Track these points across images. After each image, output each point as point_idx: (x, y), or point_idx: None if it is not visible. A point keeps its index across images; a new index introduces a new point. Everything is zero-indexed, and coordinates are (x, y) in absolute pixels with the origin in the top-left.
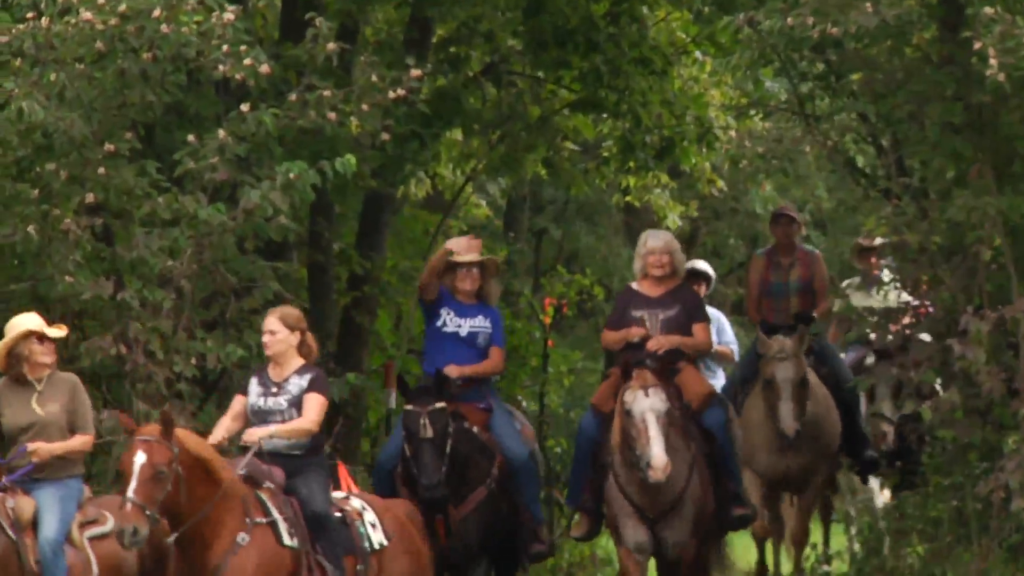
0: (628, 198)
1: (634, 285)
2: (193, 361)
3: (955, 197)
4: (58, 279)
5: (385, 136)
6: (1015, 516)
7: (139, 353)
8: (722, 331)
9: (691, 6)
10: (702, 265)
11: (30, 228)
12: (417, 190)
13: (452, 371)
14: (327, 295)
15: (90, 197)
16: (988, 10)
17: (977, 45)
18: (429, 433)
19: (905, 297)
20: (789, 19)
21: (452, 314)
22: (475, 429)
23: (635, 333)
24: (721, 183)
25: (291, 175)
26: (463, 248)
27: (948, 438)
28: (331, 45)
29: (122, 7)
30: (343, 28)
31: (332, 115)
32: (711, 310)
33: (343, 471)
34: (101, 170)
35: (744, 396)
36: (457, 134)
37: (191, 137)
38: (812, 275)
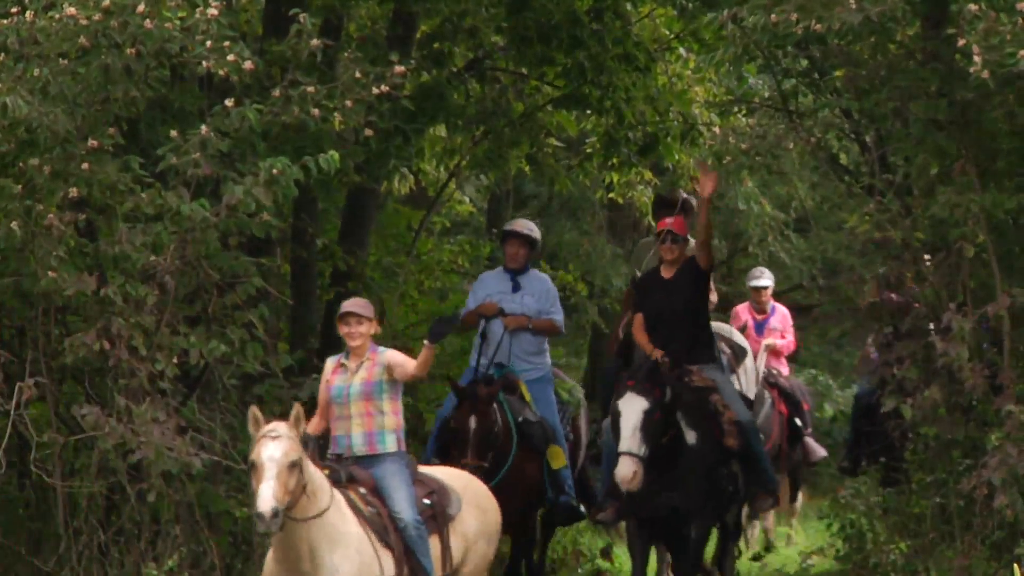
0: (611, 194)
1: None
2: (176, 357)
3: (939, 194)
4: (41, 274)
5: (368, 132)
6: (998, 513)
7: (122, 348)
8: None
9: (675, 2)
10: (517, 228)
11: (13, 224)
12: (400, 186)
13: None
14: (310, 291)
15: (73, 192)
16: (972, 7)
17: (961, 42)
18: None
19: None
20: (773, 15)
21: None
22: None
23: None
24: None
25: (274, 171)
26: None
27: (931, 435)
28: (315, 41)
29: (105, 2)
30: (327, 24)
31: (316, 111)
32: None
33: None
34: (84, 165)
35: None
36: (441, 130)
37: (174, 133)
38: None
